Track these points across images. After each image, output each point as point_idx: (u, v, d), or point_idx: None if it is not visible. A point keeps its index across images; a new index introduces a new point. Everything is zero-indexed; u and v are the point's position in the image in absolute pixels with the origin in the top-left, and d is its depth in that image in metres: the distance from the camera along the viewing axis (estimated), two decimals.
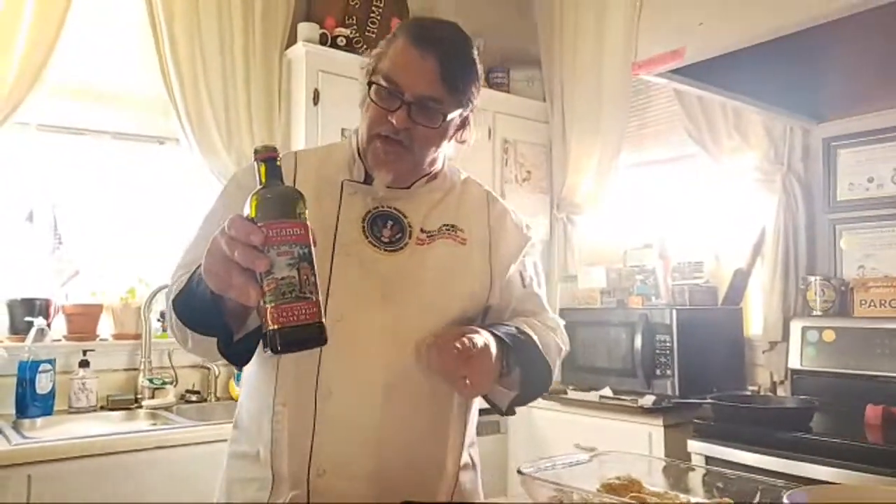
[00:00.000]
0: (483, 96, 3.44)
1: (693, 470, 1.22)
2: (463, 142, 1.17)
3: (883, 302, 2.38)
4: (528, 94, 3.46)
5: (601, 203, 3.34)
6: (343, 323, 1.00)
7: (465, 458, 1.19)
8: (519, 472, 1.09)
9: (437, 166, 1.18)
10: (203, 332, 0.95)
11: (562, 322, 1.28)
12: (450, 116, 1.09)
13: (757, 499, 1.00)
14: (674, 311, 2.52)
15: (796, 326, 2.52)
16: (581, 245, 3.44)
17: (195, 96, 2.56)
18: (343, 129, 2.66)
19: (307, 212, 0.81)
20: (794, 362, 2.49)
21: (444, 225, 1.15)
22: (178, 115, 2.54)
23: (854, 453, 1.84)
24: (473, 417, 1.23)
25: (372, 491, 1.04)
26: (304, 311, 0.76)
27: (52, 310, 2.38)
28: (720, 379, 2.53)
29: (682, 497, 1.04)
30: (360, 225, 1.11)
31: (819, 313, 2.50)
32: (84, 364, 2.36)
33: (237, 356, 0.98)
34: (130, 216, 2.67)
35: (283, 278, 0.76)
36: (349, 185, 1.14)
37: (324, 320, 0.78)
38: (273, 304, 0.76)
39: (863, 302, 2.42)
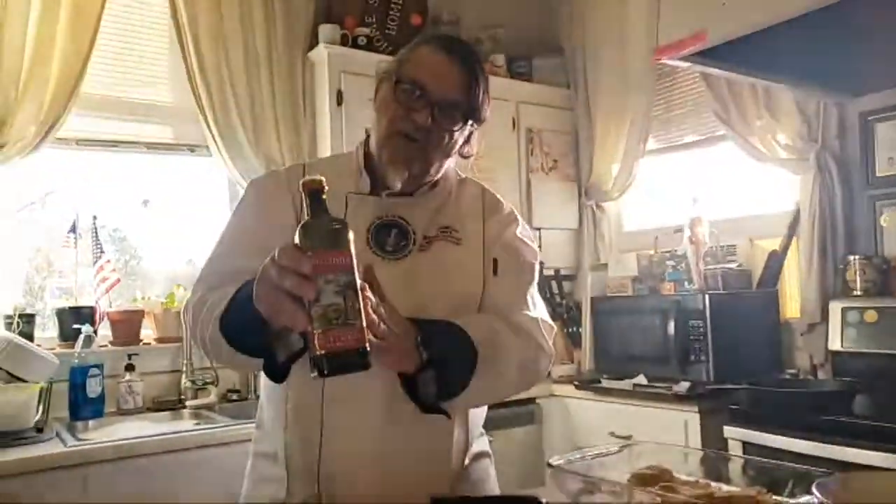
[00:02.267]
0: (506, 86, 3.43)
1: (728, 459, 1.22)
2: (467, 157, 1.20)
3: None
4: (552, 82, 3.44)
5: (630, 189, 3.32)
6: None
7: (474, 450, 1.23)
8: (548, 464, 1.10)
9: (440, 174, 1.19)
10: (247, 353, 0.99)
11: (546, 319, 1.20)
12: (466, 124, 1.13)
13: (790, 487, 1.00)
14: (706, 297, 2.49)
15: (836, 307, 2.47)
16: (610, 233, 3.42)
17: (222, 103, 2.62)
18: (367, 128, 2.68)
19: (351, 241, 0.85)
20: (835, 344, 2.44)
21: (441, 227, 1.18)
22: (207, 123, 2.60)
23: None
24: (479, 415, 1.25)
25: (377, 490, 1.08)
26: (349, 337, 0.80)
27: (97, 317, 2.48)
28: (757, 363, 2.50)
29: (714, 485, 1.04)
30: (364, 236, 1.13)
31: (860, 293, 2.44)
32: (130, 368, 2.45)
33: (279, 373, 1.02)
34: (165, 223, 2.75)
35: (329, 305, 0.80)
36: (353, 198, 1.16)
37: (368, 346, 0.82)
38: (321, 331, 0.80)
39: None
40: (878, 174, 2.54)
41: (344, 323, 0.80)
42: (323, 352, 0.80)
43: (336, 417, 1.08)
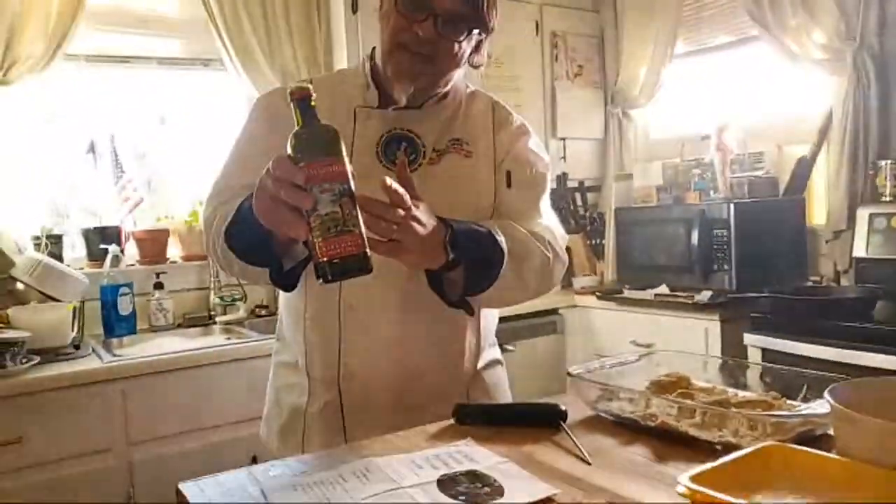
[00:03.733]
0: None
1: (747, 367, 1.23)
2: (477, 66, 1.17)
3: None
4: None
5: (657, 95, 3.21)
6: None
7: (487, 357, 1.26)
8: (568, 373, 1.13)
9: (448, 86, 1.17)
10: (255, 264, 1.02)
11: (560, 231, 1.21)
12: (472, 34, 1.10)
13: (803, 393, 1.01)
14: (731, 205, 2.45)
15: (863, 214, 2.42)
16: (636, 142, 3.34)
17: (234, 15, 2.55)
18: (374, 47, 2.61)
19: (343, 149, 0.85)
20: (860, 251, 2.41)
21: (451, 140, 1.17)
22: (220, 35, 2.54)
23: None
24: (491, 322, 1.28)
25: (395, 390, 1.13)
26: (349, 244, 0.82)
27: (123, 237, 2.53)
28: (781, 271, 2.48)
29: (731, 391, 1.06)
30: (374, 150, 1.13)
31: (889, 199, 2.38)
32: (158, 286, 2.51)
33: (286, 282, 1.05)
34: (184, 140, 2.74)
35: (326, 214, 0.81)
36: (362, 111, 1.15)
37: (367, 250, 0.83)
38: (321, 239, 0.82)
39: None
40: None
41: (342, 230, 0.82)
42: (325, 259, 0.82)
43: (353, 323, 1.12)
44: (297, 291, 1.14)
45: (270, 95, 1.23)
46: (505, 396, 1.29)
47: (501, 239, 1.05)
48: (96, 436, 1.94)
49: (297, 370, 1.19)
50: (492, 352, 1.30)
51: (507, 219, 1.15)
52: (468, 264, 1.02)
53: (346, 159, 0.84)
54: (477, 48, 1.14)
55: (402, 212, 0.91)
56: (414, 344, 1.14)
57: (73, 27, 2.27)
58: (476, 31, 1.10)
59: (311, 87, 0.86)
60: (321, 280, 0.83)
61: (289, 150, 0.85)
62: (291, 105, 0.86)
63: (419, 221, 0.94)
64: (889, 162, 2.40)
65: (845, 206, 2.51)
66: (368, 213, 0.87)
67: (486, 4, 1.09)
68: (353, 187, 0.83)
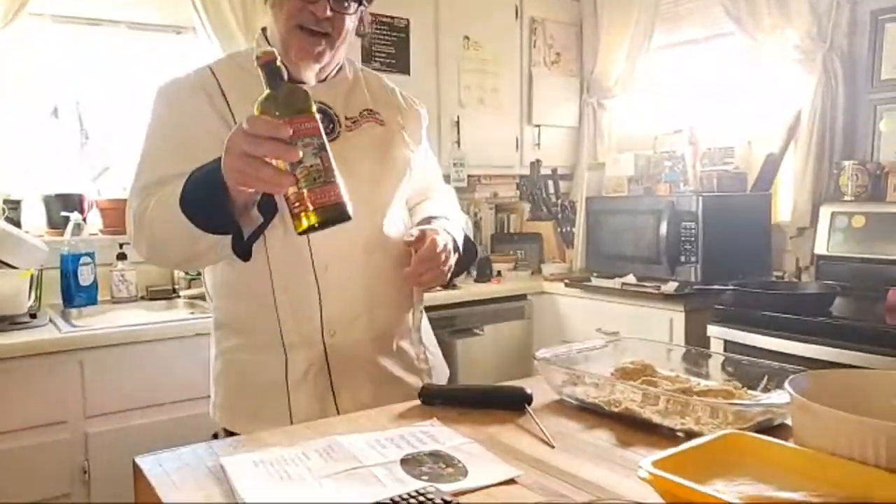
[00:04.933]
0: None
1: (709, 356, 1.25)
2: (363, 35, 1.26)
3: None
4: None
5: (632, 87, 3.23)
6: None
7: (422, 306, 1.39)
8: (535, 357, 1.13)
9: (342, 59, 1.25)
10: (214, 232, 1.00)
11: (451, 188, 1.49)
12: (361, 6, 1.17)
13: (763, 383, 1.03)
14: (700, 198, 2.49)
15: (826, 212, 2.48)
16: (610, 132, 3.36)
17: None
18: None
19: (314, 105, 0.90)
20: (821, 248, 2.47)
21: (364, 110, 1.25)
22: (193, 3, 2.46)
23: (873, 336, 1.85)
24: None
25: (371, 339, 1.21)
26: (333, 192, 0.87)
27: (86, 205, 2.45)
28: (746, 265, 2.53)
29: (693, 380, 1.08)
30: None
31: (850, 198, 2.44)
32: (122, 257, 2.45)
33: (243, 252, 1.06)
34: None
35: (311, 166, 0.86)
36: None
37: (345, 198, 0.89)
38: (308, 189, 0.86)
39: None
40: (882, 77, 2.49)
41: (326, 181, 0.87)
42: (313, 207, 0.86)
43: (329, 281, 1.17)
44: (256, 272, 1.15)
45: (172, 85, 1.22)
46: (431, 340, 1.37)
47: (466, 231, 1.30)
48: (52, 407, 1.90)
49: (267, 349, 1.18)
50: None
51: (423, 181, 1.36)
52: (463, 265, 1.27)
53: (304, 115, 0.88)
54: (361, 19, 1.21)
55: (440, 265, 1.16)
56: (381, 294, 1.22)
57: None
58: (361, 3, 1.17)
59: (274, 51, 0.90)
60: (305, 228, 0.87)
61: (258, 111, 0.88)
62: (259, 70, 0.89)
63: (449, 267, 1.19)
64: (852, 162, 2.46)
65: (809, 204, 2.56)
66: (420, 262, 1.14)
67: None
68: (326, 141, 0.88)
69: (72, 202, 2.40)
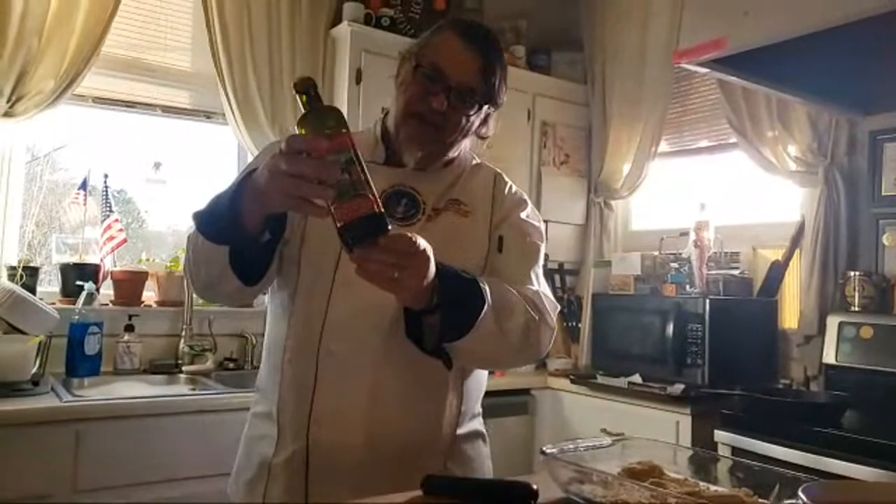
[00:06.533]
0: (524, 78, 3.44)
1: (717, 460, 1.23)
2: (484, 137, 1.25)
3: None
4: (569, 77, 3.44)
5: (639, 189, 3.32)
6: (347, 289, 1.08)
7: (469, 427, 1.24)
8: (541, 452, 1.12)
9: (455, 153, 1.24)
10: (219, 242, 1.04)
11: (551, 300, 1.21)
12: (483, 109, 1.17)
13: (776, 491, 1.01)
14: (707, 301, 2.50)
15: (833, 321, 2.48)
16: (617, 231, 3.43)
17: (242, 72, 2.63)
18: (383, 108, 2.69)
19: (346, 122, 0.91)
20: (829, 357, 2.46)
21: (450, 199, 1.22)
22: (225, 90, 2.61)
23: (884, 451, 1.81)
24: (476, 387, 1.26)
25: (366, 445, 1.10)
26: (363, 206, 0.86)
27: (101, 275, 2.49)
28: (752, 371, 2.52)
29: (702, 485, 1.06)
30: None
31: (857, 309, 2.46)
32: (129, 328, 2.46)
33: (248, 274, 1.07)
34: (177, 187, 2.76)
35: (339, 182, 0.86)
36: (368, 166, 1.18)
37: (381, 210, 0.88)
38: (337, 205, 0.86)
39: None
40: (883, 193, 2.55)
41: (354, 195, 0.86)
42: (342, 224, 0.86)
43: (330, 368, 1.10)
44: (277, 334, 1.15)
45: (277, 143, 1.28)
46: (483, 474, 1.25)
47: (486, 287, 1.06)
48: (39, 479, 1.84)
49: (270, 420, 1.16)
50: (475, 423, 1.27)
51: (501, 272, 1.18)
52: (448, 305, 1.01)
53: (350, 132, 0.89)
54: (485, 120, 1.22)
55: (412, 257, 0.94)
56: (390, 396, 1.11)
57: (86, 70, 2.32)
58: (486, 106, 1.18)
59: (311, 78, 0.93)
60: (348, 250, 0.88)
61: (297, 133, 0.91)
62: (297, 97, 0.92)
63: (427, 265, 0.96)
64: (858, 273, 2.49)
65: (816, 313, 2.57)
66: (382, 252, 0.89)
67: (496, 82, 1.17)
68: (358, 154, 0.88)
69: (87, 272, 2.44)
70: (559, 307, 1.25)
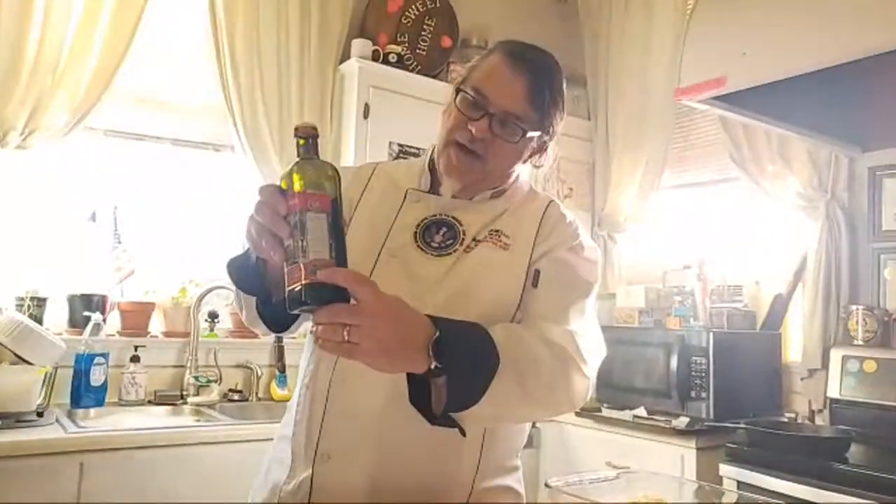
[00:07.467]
0: None
1: (723, 494, 1.23)
2: (539, 166, 1.18)
3: None
4: (573, 113, 3.48)
5: (642, 222, 3.35)
6: None
7: (497, 482, 1.11)
8: (546, 485, 1.12)
9: (507, 183, 1.16)
10: (245, 291, 1.06)
11: (593, 344, 1.07)
12: (528, 136, 1.10)
13: None
14: (711, 334, 2.51)
15: (836, 355, 2.49)
16: (621, 264, 3.45)
17: (251, 106, 2.68)
18: (391, 143, 2.74)
19: (336, 185, 0.86)
20: (833, 391, 2.46)
21: (492, 230, 1.12)
22: (234, 124, 2.66)
23: (890, 486, 1.81)
24: (506, 437, 1.13)
25: (370, 482, 1.02)
26: (294, 276, 0.82)
27: (108, 306, 2.51)
28: (756, 404, 2.51)
29: None
30: (412, 230, 1.13)
31: (860, 343, 2.46)
32: (135, 359, 2.47)
33: (276, 321, 1.09)
34: (185, 219, 2.79)
35: (287, 246, 0.84)
36: (413, 193, 1.17)
37: (308, 281, 0.80)
38: (287, 268, 0.84)
39: None
40: (883, 228, 2.58)
41: (291, 262, 0.83)
42: (287, 289, 0.82)
43: (340, 398, 1.05)
44: (307, 351, 1.15)
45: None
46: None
47: (497, 338, 0.91)
48: None
49: (287, 443, 1.13)
50: (507, 478, 1.12)
51: (527, 320, 1.04)
52: (453, 372, 0.86)
53: (336, 195, 0.85)
54: (540, 149, 1.15)
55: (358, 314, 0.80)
56: (402, 436, 1.02)
57: (99, 104, 2.37)
58: (535, 133, 1.10)
59: (314, 126, 0.89)
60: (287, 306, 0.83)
61: (285, 180, 0.88)
62: (296, 141, 0.89)
63: (380, 321, 0.81)
64: (860, 307, 2.50)
65: (819, 346, 2.58)
66: (323, 316, 0.80)
67: (545, 108, 1.09)
68: (305, 219, 0.82)
69: (95, 303, 2.46)
70: (603, 352, 1.11)
